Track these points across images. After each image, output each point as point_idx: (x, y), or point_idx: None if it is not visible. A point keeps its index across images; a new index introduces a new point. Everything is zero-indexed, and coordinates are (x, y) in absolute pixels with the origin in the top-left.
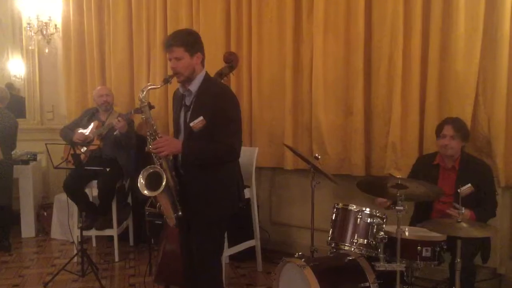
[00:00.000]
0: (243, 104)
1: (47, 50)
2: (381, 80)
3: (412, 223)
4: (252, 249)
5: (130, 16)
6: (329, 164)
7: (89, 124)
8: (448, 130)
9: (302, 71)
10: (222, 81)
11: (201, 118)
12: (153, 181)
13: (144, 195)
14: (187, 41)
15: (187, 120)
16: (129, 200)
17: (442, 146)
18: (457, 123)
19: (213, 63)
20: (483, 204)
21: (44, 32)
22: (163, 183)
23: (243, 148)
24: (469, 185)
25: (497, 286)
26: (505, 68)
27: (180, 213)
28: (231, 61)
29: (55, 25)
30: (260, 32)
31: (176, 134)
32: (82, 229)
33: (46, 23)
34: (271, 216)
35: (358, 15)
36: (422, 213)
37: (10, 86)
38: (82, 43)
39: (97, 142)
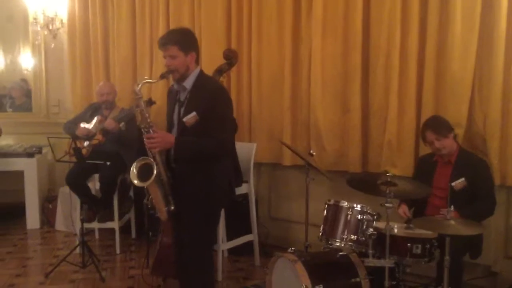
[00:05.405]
0: (242, 100)
1: (53, 45)
2: (378, 79)
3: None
4: (250, 244)
5: (133, 11)
6: (326, 160)
7: (92, 119)
8: (430, 136)
9: (301, 69)
10: (222, 77)
11: (194, 113)
12: (145, 172)
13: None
14: (182, 39)
15: (181, 115)
16: (131, 193)
17: (435, 150)
18: (434, 125)
19: (213, 60)
20: (479, 201)
21: (50, 27)
22: (153, 175)
23: (242, 144)
24: (463, 179)
25: (492, 283)
26: (500, 66)
27: (172, 207)
28: (230, 58)
29: (61, 20)
30: (260, 30)
31: (169, 128)
32: (83, 221)
33: (52, 18)
34: (270, 211)
35: (356, 14)
36: (419, 208)
37: (25, 81)
38: (87, 38)
39: (99, 136)
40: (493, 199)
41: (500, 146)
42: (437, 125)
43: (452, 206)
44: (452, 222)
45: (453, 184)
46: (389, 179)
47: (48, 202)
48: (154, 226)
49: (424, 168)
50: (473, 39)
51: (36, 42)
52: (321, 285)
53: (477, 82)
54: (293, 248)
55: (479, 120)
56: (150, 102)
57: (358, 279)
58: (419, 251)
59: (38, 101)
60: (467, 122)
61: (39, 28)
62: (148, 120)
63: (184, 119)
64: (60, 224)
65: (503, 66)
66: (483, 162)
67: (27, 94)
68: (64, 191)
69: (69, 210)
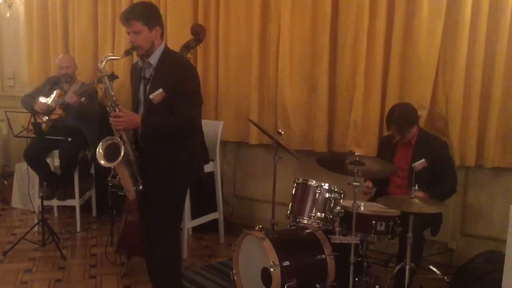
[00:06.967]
0: (209, 78)
1: (8, 15)
2: (346, 59)
3: (374, 199)
4: (215, 222)
5: None
6: (292, 140)
7: (51, 93)
8: (394, 131)
9: (269, 47)
10: (189, 54)
11: (160, 90)
12: (112, 152)
13: (104, 166)
14: (146, 14)
15: (147, 93)
16: (92, 170)
17: (399, 139)
18: (398, 122)
19: (179, 35)
20: (443, 181)
21: None
22: (121, 155)
23: (208, 122)
24: (423, 160)
25: (448, 260)
26: (464, 50)
27: (140, 187)
28: (198, 33)
29: None
30: (228, 5)
31: (136, 106)
32: (43, 198)
33: None
34: (235, 189)
35: None
36: (381, 187)
37: None
38: (45, 8)
39: (59, 111)
40: (455, 177)
41: (461, 128)
42: (401, 122)
43: (417, 186)
44: (416, 200)
45: (414, 164)
46: (357, 159)
47: (3, 179)
48: (118, 204)
49: (386, 148)
50: (439, 24)
51: None
52: (287, 261)
53: (441, 66)
54: (260, 226)
55: (442, 102)
56: (112, 77)
57: (323, 256)
58: (383, 228)
59: None
60: (430, 104)
61: None
62: (114, 98)
63: (151, 96)
64: (16, 201)
65: (466, 50)
66: (442, 143)
67: None
68: (21, 167)
69: (26, 187)
